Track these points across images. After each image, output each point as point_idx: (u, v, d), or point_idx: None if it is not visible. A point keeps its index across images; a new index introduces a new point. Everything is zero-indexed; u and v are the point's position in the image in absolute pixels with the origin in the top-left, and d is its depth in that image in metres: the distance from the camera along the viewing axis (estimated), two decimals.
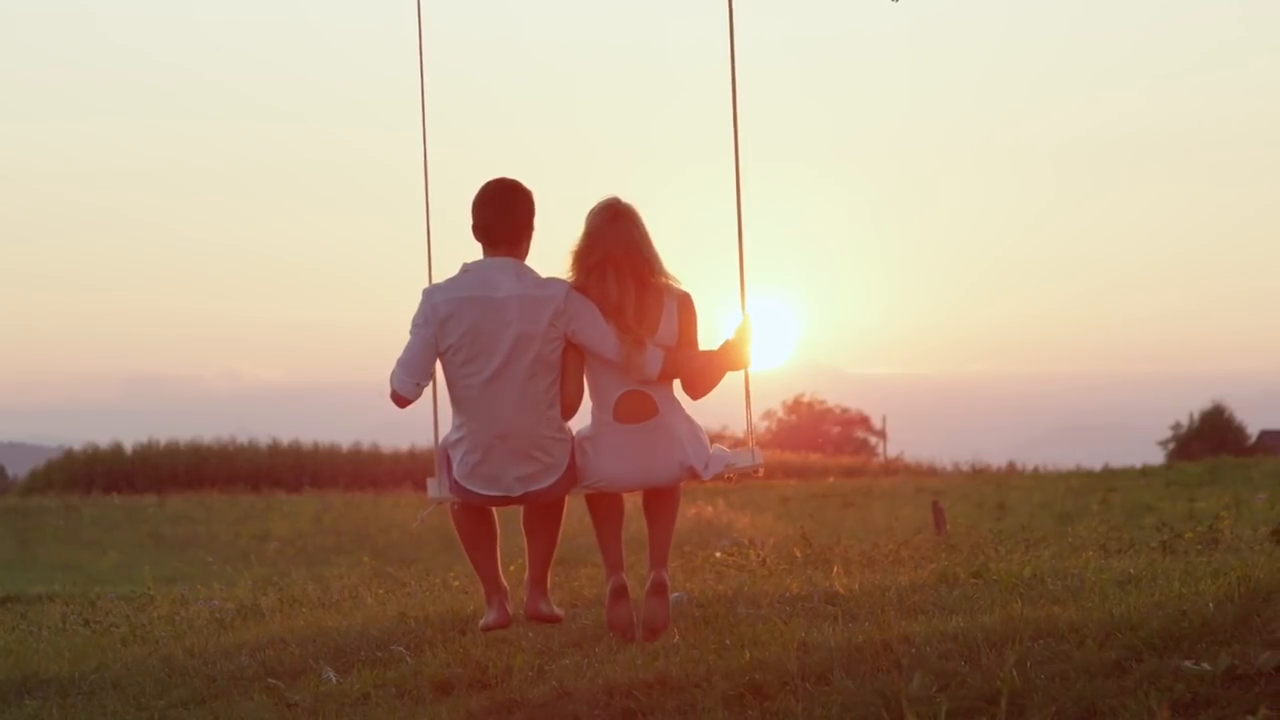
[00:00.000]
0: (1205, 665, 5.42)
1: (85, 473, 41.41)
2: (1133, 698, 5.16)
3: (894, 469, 46.69)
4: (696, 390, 6.54)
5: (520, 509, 6.69)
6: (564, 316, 6.21)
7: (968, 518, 20.27)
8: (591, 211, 6.36)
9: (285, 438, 43.98)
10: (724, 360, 6.53)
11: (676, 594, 8.07)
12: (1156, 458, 53.53)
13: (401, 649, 7.53)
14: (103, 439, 43.79)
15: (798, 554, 10.07)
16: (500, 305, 6.18)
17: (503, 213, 6.30)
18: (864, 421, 69.89)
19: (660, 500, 6.60)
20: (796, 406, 69.69)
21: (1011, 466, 44.56)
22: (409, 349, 6.26)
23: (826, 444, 61.96)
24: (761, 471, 6.77)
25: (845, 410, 70.95)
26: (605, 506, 6.61)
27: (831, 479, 36.87)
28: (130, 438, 44.06)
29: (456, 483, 6.39)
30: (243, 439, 43.50)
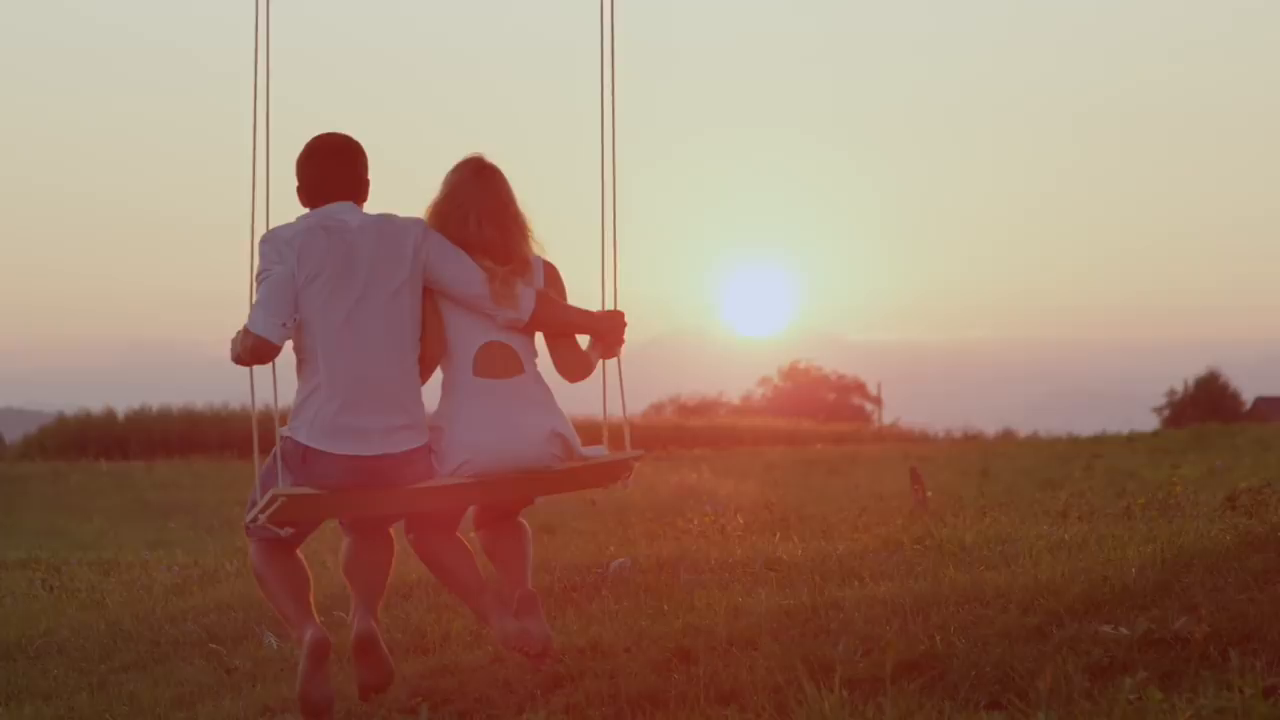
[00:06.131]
0: (1123, 630, 5.46)
1: (78, 439, 41.29)
2: (1050, 662, 5.19)
3: (884, 436, 46.72)
4: (574, 362, 5.71)
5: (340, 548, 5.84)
6: (423, 249, 5.50)
7: (949, 484, 20.28)
8: (453, 168, 5.67)
9: (282, 403, 43.80)
10: (600, 324, 5.69)
11: (620, 560, 8.10)
12: (1153, 425, 53.58)
13: (343, 614, 7.55)
14: (101, 405, 43.70)
15: (740, 520, 10.07)
16: (355, 232, 5.45)
17: (338, 168, 5.56)
18: (860, 388, 69.98)
19: (503, 536, 5.80)
20: (792, 373, 69.81)
21: (1007, 433, 44.63)
22: (264, 290, 5.35)
23: (821, 411, 61.96)
24: (631, 479, 5.81)
25: (841, 377, 71.05)
26: (448, 550, 5.71)
27: (819, 446, 36.88)
28: (128, 404, 43.85)
29: (306, 450, 5.43)
30: (235, 405, 43.44)
